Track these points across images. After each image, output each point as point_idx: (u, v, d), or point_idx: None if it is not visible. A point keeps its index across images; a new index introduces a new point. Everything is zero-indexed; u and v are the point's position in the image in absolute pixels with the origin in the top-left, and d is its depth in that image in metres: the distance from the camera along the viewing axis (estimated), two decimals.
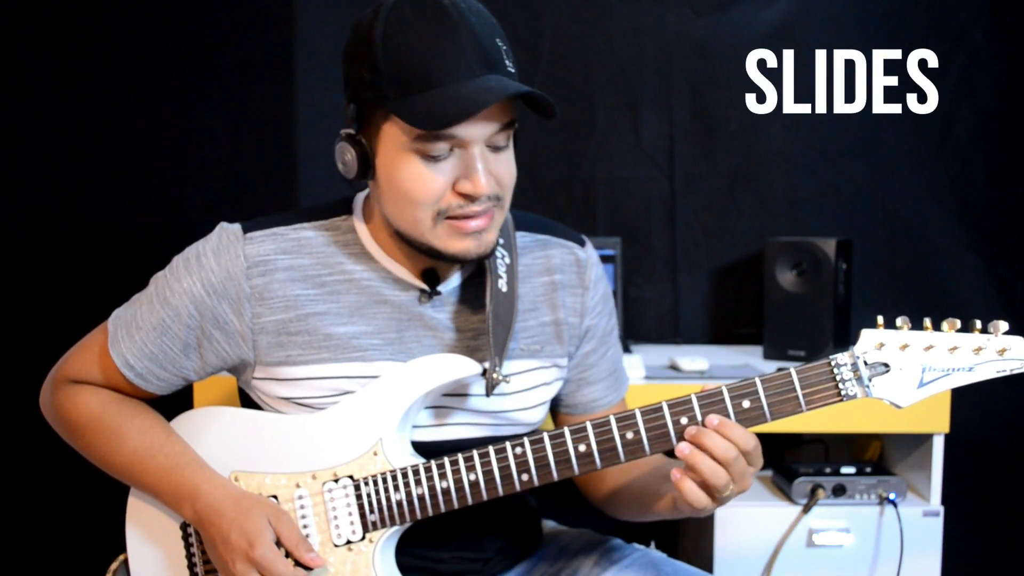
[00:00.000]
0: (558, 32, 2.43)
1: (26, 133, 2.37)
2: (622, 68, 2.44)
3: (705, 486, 1.15)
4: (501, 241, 1.32)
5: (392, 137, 1.18)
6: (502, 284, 1.29)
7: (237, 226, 1.29)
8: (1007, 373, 1.11)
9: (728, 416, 1.16)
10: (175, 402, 1.39)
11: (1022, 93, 2.38)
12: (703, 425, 1.15)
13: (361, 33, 1.17)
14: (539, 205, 2.39)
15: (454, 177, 1.17)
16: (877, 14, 2.38)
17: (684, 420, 1.16)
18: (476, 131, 1.15)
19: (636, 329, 2.47)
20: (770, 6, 2.40)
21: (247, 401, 1.37)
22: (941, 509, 1.93)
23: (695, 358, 2.09)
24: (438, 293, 1.29)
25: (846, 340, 2.18)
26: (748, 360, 2.22)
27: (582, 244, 1.40)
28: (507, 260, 1.31)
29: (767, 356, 2.24)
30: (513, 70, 1.18)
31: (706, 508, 1.17)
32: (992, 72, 2.37)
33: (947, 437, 1.95)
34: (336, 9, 2.21)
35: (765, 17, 2.41)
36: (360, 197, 1.33)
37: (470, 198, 1.17)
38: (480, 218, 1.19)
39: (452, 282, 1.31)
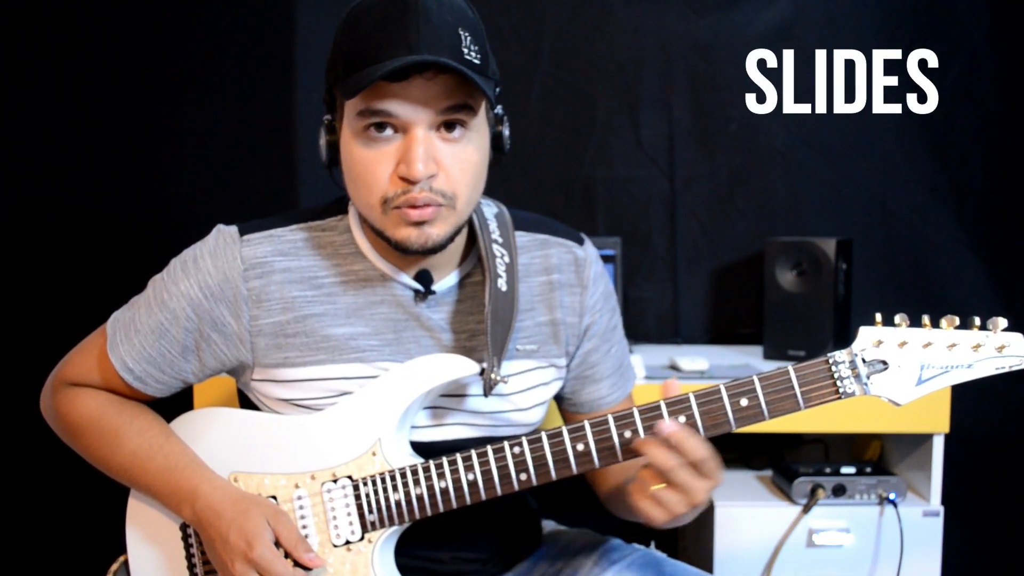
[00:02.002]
0: (558, 32, 2.43)
1: (26, 133, 2.37)
2: (622, 68, 2.44)
3: (654, 499, 1.15)
4: (500, 240, 1.32)
5: (345, 119, 1.19)
6: (502, 283, 1.28)
7: (234, 228, 1.29)
8: (1006, 370, 1.11)
9: (726, 414, 1.16)
10: (175, 403, 1.39)
11: (1022, 93, 2.38)
12: (654, 432, 1.13)
13: (341, 19, 1.19)
14: (539, 205, 2.39)
15: (396, 162, 1.16)
16: (877, 14, 2.38)
17: (682, 419, 1.16)
18: (414, 112, 1.14)
19: (636, 329, 2.47)
20: (770, 6, 2.41)
21: (246, 402, 1.37)
22: (941, 509, 1.93)
23: (695, 358, 2.10)
24: (432, 293, 1.29)
25: (846, 340, 2.16)
26: (748, 360, 2.22)
27: (580, 242, 1.39)
28: (506, 259, 1.31)
29: (767, 356, 2.24)
30: (475, 59, 1.15)
31: (659, 520, 1.16)
32: (992, 72, 2.37)
33: (947, 437, 1.94)
34: (336, 9, 2.21)
35: (765, 17, 2.41)
36: None
37: (409, 183, 1.15)
38: (422, 209, 1.16)
39: (448, 282, 1.31)
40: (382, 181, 1.17)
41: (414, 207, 1.16)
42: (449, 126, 1.16)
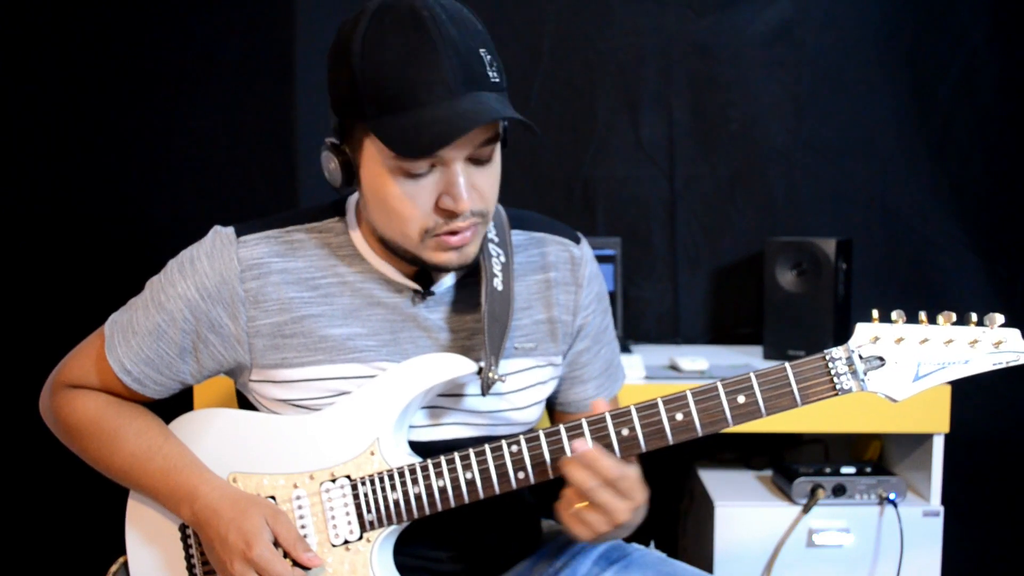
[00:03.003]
0: (558, 32, 2.44)
1: (25, 133, 2.37)
2: (622, 68, 2.44)
3: (577, 517, 1.16)
4: (496, 239, 1.32)
5: (373, 153, 1.17)
6: (497, 283, 1.28)
7: (231, 229, 1.29)
8: (1003, 365, 1.11)
9: (723, 411, 1.16)
10: (174, 403, 1.39)
11: (1022, 93, 2.38)
12: (572, 452, 1.15)
13: (343, 41, 1.16)
14: (539, 205, 2.38)
15: (436, 194, 1.16)
16: (877, 14, 2.38)
17: (679, 416, 1.16)
18: (456, 151, 1.14)
19: (636, 329, 2.47)
20: (770, 6, 2.41)
21: (245, 403, 1.37)
22: (941, 509, 1.93)
23: (695, 358, 2.09)
24: (431, 294, 1.29)
25: (846, 340, 2.16)
26: (748, 360, 2.22)
27: (577, 241, 1.40)
28: (502, 258, 1.31)
29: (767, 356, 2.24)
30: (498, 79, 1.15)
31: (584, 538, 1.17)
32: (992, 72, 2.37)
33: (947, 437, 1.94)
34: (336, 9, 2.22)
35: (765, 17, 2.41)
36: (352, 199, 1.33)
37: (452, 214, 1.16)
38: (463, 234, 1.19)
39: (446, 282, 1.31)
40: (422, 214, 1.17)
41: (456, 233, 1.18)
42: (481, 152, 1.17)
